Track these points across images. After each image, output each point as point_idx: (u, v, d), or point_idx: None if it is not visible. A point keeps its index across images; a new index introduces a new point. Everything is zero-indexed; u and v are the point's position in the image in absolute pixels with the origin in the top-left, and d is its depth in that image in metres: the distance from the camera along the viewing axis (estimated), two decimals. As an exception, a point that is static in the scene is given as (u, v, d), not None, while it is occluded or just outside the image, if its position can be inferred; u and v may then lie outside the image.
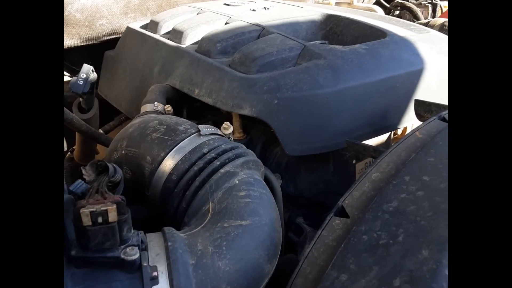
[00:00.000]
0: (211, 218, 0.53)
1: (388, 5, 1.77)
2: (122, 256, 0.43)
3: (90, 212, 0.41)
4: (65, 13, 0.99)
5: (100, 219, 0.41)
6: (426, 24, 1.17)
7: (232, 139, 0.65)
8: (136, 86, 0.94)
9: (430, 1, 1.68)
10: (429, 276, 0.45)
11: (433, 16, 1.67)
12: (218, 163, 0.56)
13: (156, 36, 0.94)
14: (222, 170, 0.55)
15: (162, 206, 0.58)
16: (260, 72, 0.74)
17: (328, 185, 0.79)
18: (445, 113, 0.68)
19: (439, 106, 0.76)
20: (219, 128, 0.64)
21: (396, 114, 0.81)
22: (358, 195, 0.57)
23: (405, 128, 0.93)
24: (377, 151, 0.71)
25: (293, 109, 0.69)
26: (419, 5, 1.69)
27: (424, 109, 0.78)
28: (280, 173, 0.77)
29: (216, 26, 0.93)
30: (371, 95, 0.76)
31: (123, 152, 0.63)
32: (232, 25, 0.89)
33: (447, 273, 0.45)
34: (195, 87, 0.77)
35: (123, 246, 0.43)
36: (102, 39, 1.10)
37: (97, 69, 1.16)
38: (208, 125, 0.62)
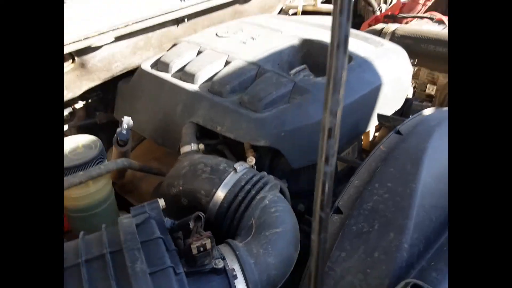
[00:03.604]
0: (256, 230, 0.81)
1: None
2: (214, 266, 0.71)
3: (197, 246, 0.68)
4: (89, 65, 1.20)
5: (201, 249, 0.69)
6: (380, 32, 1.42)
7: (255, 166, 0.93)
8: (159, 119, 1.17)
9: (382, -11, 1.92)
10: (395, 249, 0.76)
11: (385, 2, 1.92)
12: (254, 192, 0.84)
13: (172, 79, 1.16)
14: (257, 197, 0.83)
15: (216, 224, 0.86)
16: (266, 108, 1.00)
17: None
18: (399, 127, 0.97)
19: (394, 119, 1.05)
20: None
21: (363, 124, 1.10)
22: (347, 198, 0.87)
23: (367, 132, 1.22)
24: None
25: (295, 137, 0.97)
26: (372, -7, 1.93)
27: (385, 120, 1.07)
28: (286, 178, 1.05)
29: (219, 65, 1.16)
30: (346, 115, 1.03)
31: (180, 188, 0.90)
32: (234, 65, 1.13)
33: (407, 246, 0.75)
34: (217, 125, 1.02)
35: (213, 260, 0.72)
36: (115, 76, 1.31)
37: (107, 94, 1.39)
38: (240, 162, 0.89)
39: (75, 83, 1.20)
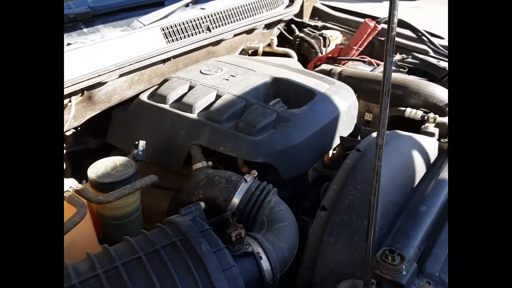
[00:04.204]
0: (267, 225, 1.06)
1: (291, 38, 2.38)
2: (245, 250, 0.94)
3: (235, 235, 0.91)
4: (95, 97, 1.36)
5: (238, 237, 0.91)
6: (329, 72, 1.79)
7: (257, 178, 1.18)
8: (161, 143, 1.36)
9: (321, 34, 2.33)
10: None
11: (324, 45, 2.33)
12: (263, 196, 1.09)
13: (172, 109, 1.38)
14: (266, 200, 1.08)
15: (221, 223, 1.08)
16: (259, 133, 1.26)
17: (303, 187, 1.38)
18: (358, 146, 1.30)
19: (352, 140, 1.39)
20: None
21: (329, 145, 1.42)
22: (329, 198, 1.16)
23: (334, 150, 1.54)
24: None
25: (284, 155, 1.24)
26: (313, 38, 2.33)
27: (345, 141, 1.41)
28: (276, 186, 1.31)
29: (211, 97, 1.40)
30: (317, 137, 1.35)
31: (200, 196, 1.11)
32: (226, 98, 1.38)
33: (377, 229, 1.05)
34: (220, 146, 1.26)
35: (244, 246, 0.94)
36: (112, 106, 1.48)
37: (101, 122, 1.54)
38: (247, 175, 1.13)
39: (81, 113, 1.35)
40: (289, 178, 1.27)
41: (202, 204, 0.96)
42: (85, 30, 1.50)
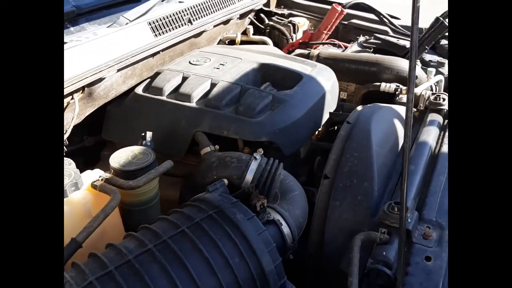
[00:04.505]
0: (281, 195, 1.16)
1: (262, 26, 2.47)
2: (267, 218, 1.04)
3: (259, 204, 1.00)
4: (94, 94, 1.39)
5: (262, 206, 1.01)
6: (308, 55, 1.91)
7: (262, 154, 1.27)
8: (162, 133, 1.42)
9: (290, 21, 2.45)
10: (370, 191, 1.18)
11: (294, 32, 2.45)
12: (273, 170, 1.19)
13: (171, 99, 1.44)
14: (277, 173, 1.18)
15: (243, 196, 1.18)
16: (258, 115, 1.36)
17: (298, 163, 1.49)
18: (347, 119, 1.43)
19: (339, 115, 1.52)
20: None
21: (319, 121, 1.54)
22: (330, 167, 1.28)
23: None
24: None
25: (284, 133, 1.35)
26: (283, 25, 2.44)
27: (335, 116, 1.54)
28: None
29: (206, 86, 1.48)
30: (310, 114, 1.46)
31: (214, 177, 1.20)
32: (221, 86, 1.45)
33: (376, 188, 1.19)
34: (223, 130, 1.34)
35: (266, 214, 1.04)
36: (108, 101, 1.52)
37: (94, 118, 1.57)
38: (255, 153, 1.23)
39: (82, 111, 1.38)
40: (289, 154, 1.38)
41: (226, 181, 1.05)
42: (71, 29, 1.51)
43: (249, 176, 1.18)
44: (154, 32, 1.60)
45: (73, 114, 1.28)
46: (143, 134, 1.30)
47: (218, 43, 2.13)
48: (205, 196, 0.98)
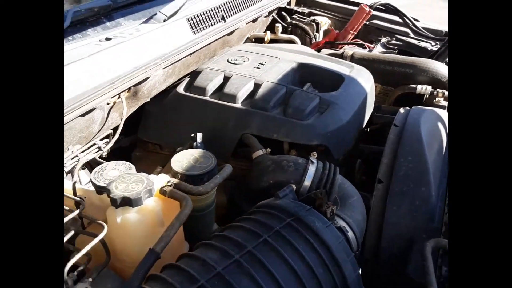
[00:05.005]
0: (340, 201, 1.14)
1: (285, 25, 2.44)
2: (335, 224, 1.02)
3: (330, 211, 0.98)
4: (139, 93, 1.34)
5: (331, 213, 0.99)
6: (341, 55, 1.89)
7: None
8: (208, 134, 1.38)
9: (313, 20, 2.42)
10: (427, 196, 1.17)
11: (317, 31, 2.42)
12: (331, 175, 1.16)
13: (216, 100, 1.40)
14: (335, 178, 1.16)
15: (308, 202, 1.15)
16: (308, 117, 1.33)
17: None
18: (394, 122, 1.41)
19: (382, 117, 1.51)
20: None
21: (363, 121, 1.52)
22: (383, 171, 1.26)
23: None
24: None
25: (335, 135, 1.32)
26: (306, 24, 2.41)
27: (378, 118, 1.52)
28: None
29: (250, 86, 1.44)
30: (356, 116, 1.44)
31: (270, 181, 1.17)
32: (266, 86, 1.42)
33: (434, 193, 1.17)
34: (273, 133, 1.31)
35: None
36: (147, 100, 1.47)
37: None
38: (310, 157, 1.20)
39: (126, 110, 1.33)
40: (338, 157, 1.36)
41: (294, 186, 1.02)
42: (108, 24, 1.46)
43: (307, 181, 1.15)
44: (193, 29, 1.56)
45: (122, 115, 1.23)
46: (192, 135, 1.26)
47: (245, 42, 2.09)
48: (278, 203, 0.95)
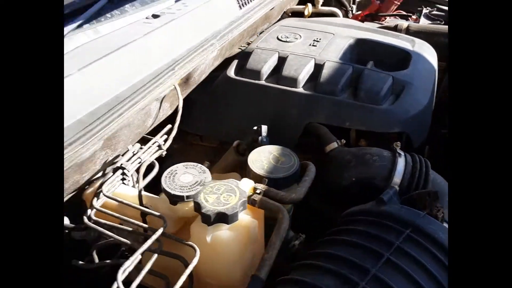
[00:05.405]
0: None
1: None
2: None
3: (441, 216, 0.84)
4: (191, 79, 1.17)
5: (442, 215, 0.85)
6: (395, 28, 1.71)
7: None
8: (268, 123, 1.22)
9: (350, -10, 2.22)
10: None
11: (354, 2, 2.22)
12: (423, 170, 1.01)
13: (276, 85, 1.23)
14: (428, 173, 1.01)
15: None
16: (383, 101, 1.17)
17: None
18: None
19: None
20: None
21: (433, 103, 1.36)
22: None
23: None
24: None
25: (415, 121, 1.17)
26: (343, -5, 2.21)
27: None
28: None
29: (310, 67, 1.27)
30: (432, 95, 1.28)
31: (353, 178, 1.02)
32: (330, 66, 1.25)
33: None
34: (345, 121, 1.15)
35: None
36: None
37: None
38: (395, 149, 1.05)
39: (177, 98, 1.17)
40: (417, 146, 1.21)
41: (396, 187, 0.87)
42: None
43: (397, 178, 1.00)
44: (239, 3, 1.37)
45: (176, 105, 1.07)
46: (255, 128, 1.10)
47: (281, 17, 1.90)
48: (385, 209, 0.81)
